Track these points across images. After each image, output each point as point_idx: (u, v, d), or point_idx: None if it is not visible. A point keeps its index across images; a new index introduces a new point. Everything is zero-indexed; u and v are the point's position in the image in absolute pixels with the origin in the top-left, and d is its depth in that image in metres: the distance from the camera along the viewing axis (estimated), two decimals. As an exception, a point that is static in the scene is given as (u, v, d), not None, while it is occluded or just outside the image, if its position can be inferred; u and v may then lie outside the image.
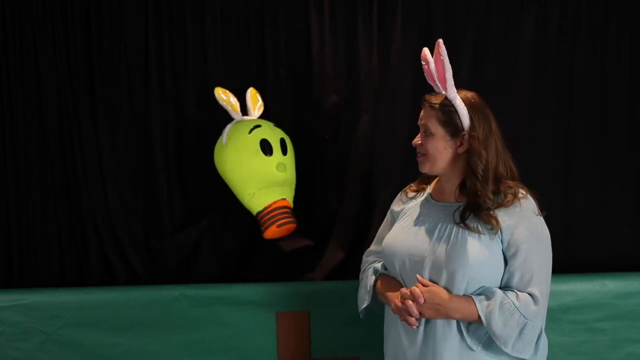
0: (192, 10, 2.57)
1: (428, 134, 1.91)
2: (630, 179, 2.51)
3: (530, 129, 2.50)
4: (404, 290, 1.86)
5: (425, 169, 1.93)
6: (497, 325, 1.78)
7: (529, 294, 1.81)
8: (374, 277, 2.04)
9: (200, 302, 2.44)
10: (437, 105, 1.90)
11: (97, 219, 2.60)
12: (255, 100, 2.51)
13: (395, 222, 2.04)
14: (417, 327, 1.85)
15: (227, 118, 2.48)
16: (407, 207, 2.03)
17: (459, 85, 1.91)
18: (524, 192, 1.88)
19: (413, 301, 1.81)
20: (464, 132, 1.88)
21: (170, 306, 2.44)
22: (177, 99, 2.59)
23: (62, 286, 2.58)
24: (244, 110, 2.50)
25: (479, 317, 1.79)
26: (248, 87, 2.51)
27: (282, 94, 2.55)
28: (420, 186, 2.06)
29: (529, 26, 2.49)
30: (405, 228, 1.96)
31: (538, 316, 1.81)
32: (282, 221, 2.39)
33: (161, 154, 2.59)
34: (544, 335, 1.86)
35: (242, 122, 2.45)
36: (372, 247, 2.16)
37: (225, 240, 2.59)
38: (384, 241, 2.01)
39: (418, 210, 1.98)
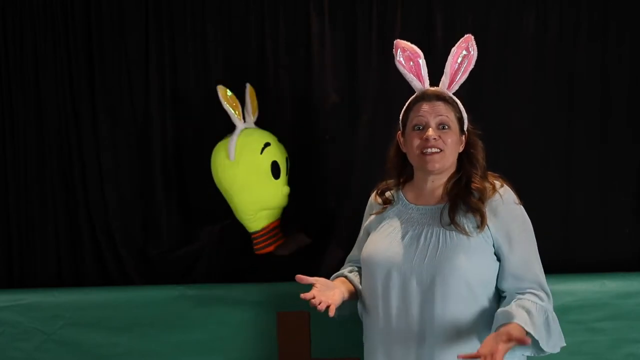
0: (192, 10, 2.56)
1: (446, 128, 1.83)
2: (631, 178, 2.50)
3: (530, 128, 2.50)
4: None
5: (437, 165, 1.82)
6: (545, 339, 1.73)
7: (538, 285, 1.79)
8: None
9: (200, 302, 2.44)
10: (452, 101, 1.87)
11: (96, 221, 2.60)
12: (254, 101, 2.46)
13: (371, 232, 1.95)
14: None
15: (226, 118, 2.49)
16: (382, 215, 1.95)
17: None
18: (501, 183, 1.87)
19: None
20: (467, 128, 1.89)
21: (170, 306, 2.44)
22: (177, 100, 2.59)
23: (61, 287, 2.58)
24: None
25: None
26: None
27: (282, 94, 2.55)
28: (386, 197, 1.97)
29: (529, 26, 2.48)
30: (386, 236, 1.88)
31: (551, 304, 1.81)
32: (272, 240, 2.46)
33: (161, 155, 2.59)
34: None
35: (251, 137, 2.39)
36: (353, 252, 2.08)
37: (226, 244, 2.59)
38: (364, 250, 1.92)
39: (396, 216, 1.90)
